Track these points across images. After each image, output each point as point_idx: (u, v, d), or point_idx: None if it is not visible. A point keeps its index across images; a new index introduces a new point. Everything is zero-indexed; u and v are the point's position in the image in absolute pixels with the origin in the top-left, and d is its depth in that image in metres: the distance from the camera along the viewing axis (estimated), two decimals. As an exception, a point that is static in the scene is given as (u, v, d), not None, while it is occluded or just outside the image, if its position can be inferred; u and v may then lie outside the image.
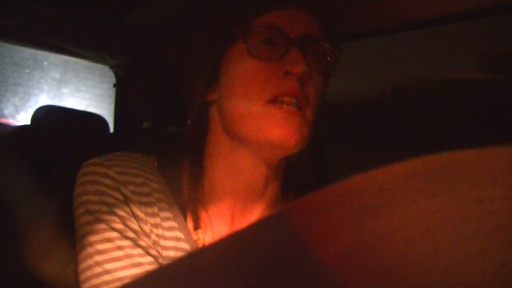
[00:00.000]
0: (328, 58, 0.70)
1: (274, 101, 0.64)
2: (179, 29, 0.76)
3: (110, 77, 2.01)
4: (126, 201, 0.66)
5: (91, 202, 0.66)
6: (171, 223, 0.68)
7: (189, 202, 0.70)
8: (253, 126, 0.65)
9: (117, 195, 0.66)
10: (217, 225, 0.71)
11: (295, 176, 0.76)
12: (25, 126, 1.68)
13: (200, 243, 0.69)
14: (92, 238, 0.64)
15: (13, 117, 5.48)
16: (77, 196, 0.68)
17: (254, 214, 0.72)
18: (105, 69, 1.99)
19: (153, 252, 0.65)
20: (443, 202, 0.19)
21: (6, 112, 5.51)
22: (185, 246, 0.68)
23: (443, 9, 0.81)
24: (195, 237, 0.69)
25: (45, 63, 5.71)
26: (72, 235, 0.69)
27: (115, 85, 1.95)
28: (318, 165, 0.78)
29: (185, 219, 0.70)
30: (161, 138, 1.21)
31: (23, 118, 5.46)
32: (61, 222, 0.81)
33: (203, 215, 0.71)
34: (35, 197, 1.04)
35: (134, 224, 0.65)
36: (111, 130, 1.83)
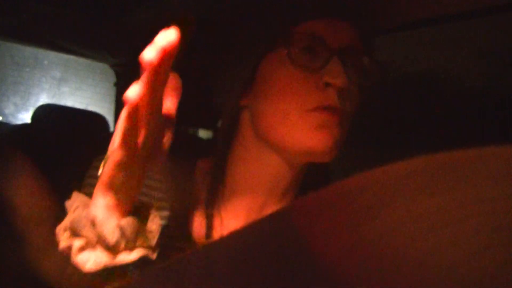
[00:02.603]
0: (367, 71, 0.69)
1: (312, 110, 0.64)
2: (217, 31, 0.75)
3: (110, 76, 2.00)
4: None
5: (92, 184, 0.66)
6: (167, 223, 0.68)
7: (206, 205, 0.70)
8: (288, 133, 0.65)
9: None
10: (231, 228, 0.71)
11: (312, 180, 0.76)
12: (25, 125, 1.69)
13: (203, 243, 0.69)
14: None
15: (13, 116, 5.48)
16: (83, 186, 0.70)
17: None
18: (106, 68, 1.98)
19: None
20: (443, 201, 0.19)
21: (6, 111, 5.51)
22: (180, 245, 0.68)
23: (444, 9, 0.81)
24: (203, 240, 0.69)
25: (46, 61, 5.71)
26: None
27: (115, 84, 1.95)
28: (320, 165, 0.77)
29: (187, 219, 0.70)
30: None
31: (24, 117, 5.47)
32: (62, 220, 0.81)
33: (216, 218, 0.71)
34: (36, 196, 1.04)
35: None
36: (112, 128, 1.83)
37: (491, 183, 0.19)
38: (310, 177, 0.75)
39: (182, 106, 1.06)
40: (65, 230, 0.55)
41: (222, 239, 0.21)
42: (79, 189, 0.72)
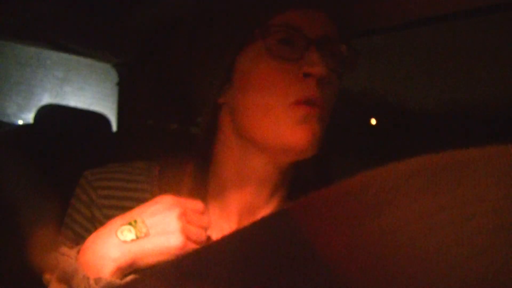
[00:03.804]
0: (345, 60, 0.69)
1: (294, 103, 0.63)
2: (190, 29, 0.75)
3: (112, 76, 2.01)
4: (92, 220, 0.68)
5: (68, 215, 0.71)
6: None
7: None
8: (269, 129, 0.64)
9: (87, 212, 0.69)
10: (223, 229, 0.70)
11: (303, 178, 0.75)
12: (28, 125, 1.69)
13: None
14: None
15: (16, 116, 5.49)
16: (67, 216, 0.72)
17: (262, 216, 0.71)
18: (108, 68, 1.99)
19: None
20: (445, 201, 0.19)
21: (9, 111, 5.52)
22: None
23: (448, 7, 0.81)
24: None
25: (48, 61, 5.72)
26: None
27: (118, 84, 1.95)
28: (321, 164, 0.77)
29: None
30: (164, 136, 1.21)
31: (27, 117, 5.47)
32: (63, 221, 0.82)
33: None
34: (38, 196, 1.04)
35: None
36: (114, 128, 1.84)
37: (493, 182, 0.19)
38: (304, 173, 0.74)
39: (159, 101, 1.06)
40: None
41: (224, 239, 0.21)
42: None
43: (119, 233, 0.60)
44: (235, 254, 0.20)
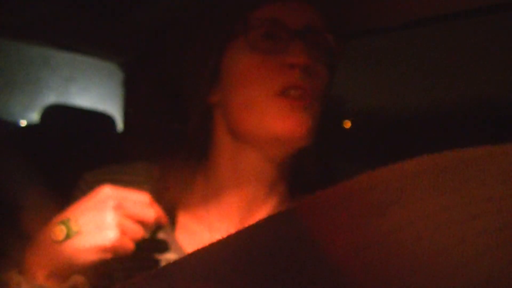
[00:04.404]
0: (332, 49, 0.68)
1: (280, 94, 0.63)
2: (180, 31, 0.75)
3: (118, 75, 2.01)
4: None
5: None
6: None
7: (185, 206, 0.70)
8: (258, 121, 0.64)
9: None
10: (224, 227, 0.70)
11: (302, 176, 0.75)
12: (33, 125, 1.70)
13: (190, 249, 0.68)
14: None
15: (21, 116, 5.51)
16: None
17: (261, 215, 0.72)
18: (113, 68, 1.99)
19: None
20: (451, 200, 0.19)
21: (14, 110, 5.54)
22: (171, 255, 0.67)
23: (451, 6, 0.80)
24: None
25: (53, 61, 5.74)
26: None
27: (123, 83, 1.95)
28: (320, 160, 0.76)
29: (174, 224, 0.69)
30: (167, 135, 1.21)
31: (32, 116, 5.49)
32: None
33: (204, 218, 0.70)
34: (43, 197, 1.04)
35: None
36: (119, 128, 1.84)
37: (499, 181, 0.19)
38: (302, 169, 0.74)
39: (164, 100, 1.06)
40: None
41: (228, 239, 0.21)
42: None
43: (52, 234, 0.57)
44: (240, 254, 0.20)
